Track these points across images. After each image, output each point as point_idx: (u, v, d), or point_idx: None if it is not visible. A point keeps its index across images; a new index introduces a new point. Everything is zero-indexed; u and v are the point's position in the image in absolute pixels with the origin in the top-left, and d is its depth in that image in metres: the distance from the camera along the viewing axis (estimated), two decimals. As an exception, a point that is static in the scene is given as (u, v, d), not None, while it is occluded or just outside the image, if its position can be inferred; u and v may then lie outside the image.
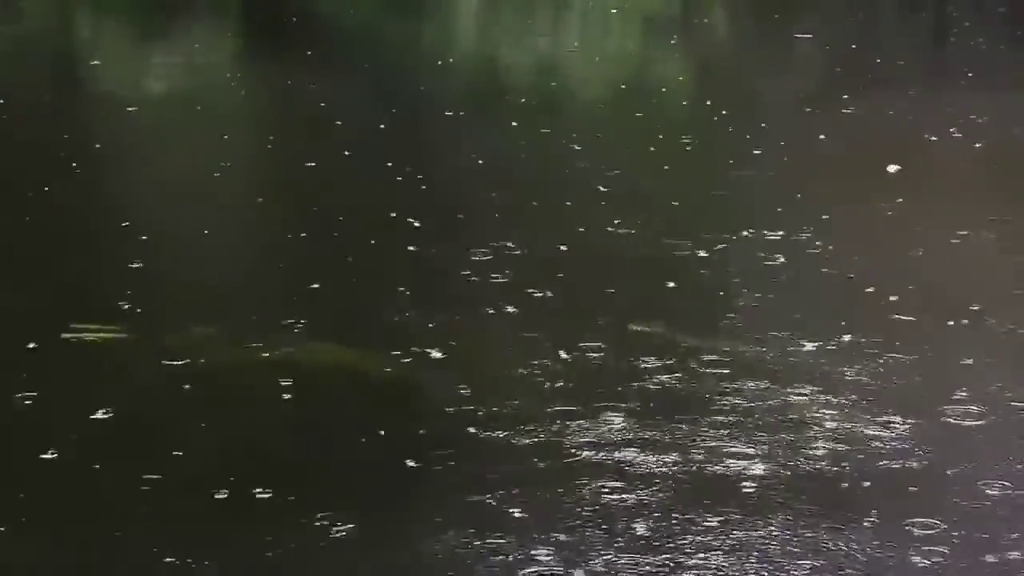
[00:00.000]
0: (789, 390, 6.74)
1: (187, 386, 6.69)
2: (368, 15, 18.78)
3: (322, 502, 5.65)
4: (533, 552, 5.30)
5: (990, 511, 5.68)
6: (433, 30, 18.05)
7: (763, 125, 12.13)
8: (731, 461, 6.03)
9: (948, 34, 18.51)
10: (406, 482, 5.89)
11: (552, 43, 17.58)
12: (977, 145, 11.67)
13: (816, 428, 6.36)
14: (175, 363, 6.90)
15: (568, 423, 6.37)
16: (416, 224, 9.22)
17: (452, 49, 16.96)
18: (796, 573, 5.23)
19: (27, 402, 6.51)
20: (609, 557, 5.29)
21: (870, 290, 8.10)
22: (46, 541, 5.40)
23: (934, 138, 11.85)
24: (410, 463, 6.00)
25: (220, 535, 5.47)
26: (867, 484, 5.87)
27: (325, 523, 5.49)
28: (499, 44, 17.40)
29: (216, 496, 5.69)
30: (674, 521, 5.54)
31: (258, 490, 5.72)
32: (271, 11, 18.81)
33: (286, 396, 6.62)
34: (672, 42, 17.80)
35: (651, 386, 6.78)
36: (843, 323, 7.51)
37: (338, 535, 5.43)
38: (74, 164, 10.61)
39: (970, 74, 14.80)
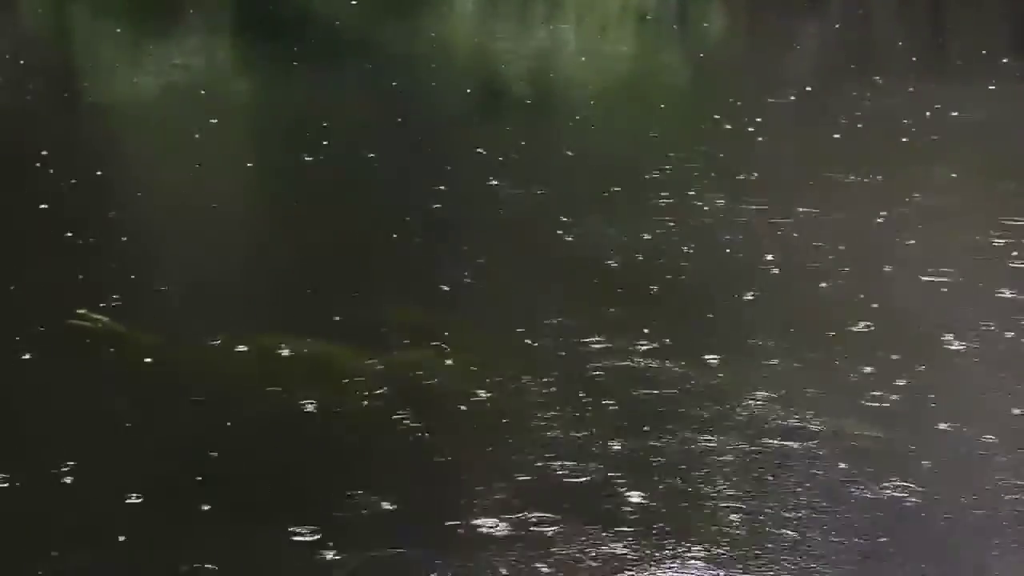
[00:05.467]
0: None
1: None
2: (364, 16, 18.81)
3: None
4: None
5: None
6: (429, 29, 18.07)
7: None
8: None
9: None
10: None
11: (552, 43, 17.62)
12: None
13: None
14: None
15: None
16: (414, 225, 9.28)
17: (446, 49, 16.97)
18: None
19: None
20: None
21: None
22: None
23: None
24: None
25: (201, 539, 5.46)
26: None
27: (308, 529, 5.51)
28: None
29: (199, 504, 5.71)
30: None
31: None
32: (267, 11, 18.87)
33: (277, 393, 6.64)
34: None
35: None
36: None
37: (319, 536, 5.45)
38: (61, 164, 10.63)
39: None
